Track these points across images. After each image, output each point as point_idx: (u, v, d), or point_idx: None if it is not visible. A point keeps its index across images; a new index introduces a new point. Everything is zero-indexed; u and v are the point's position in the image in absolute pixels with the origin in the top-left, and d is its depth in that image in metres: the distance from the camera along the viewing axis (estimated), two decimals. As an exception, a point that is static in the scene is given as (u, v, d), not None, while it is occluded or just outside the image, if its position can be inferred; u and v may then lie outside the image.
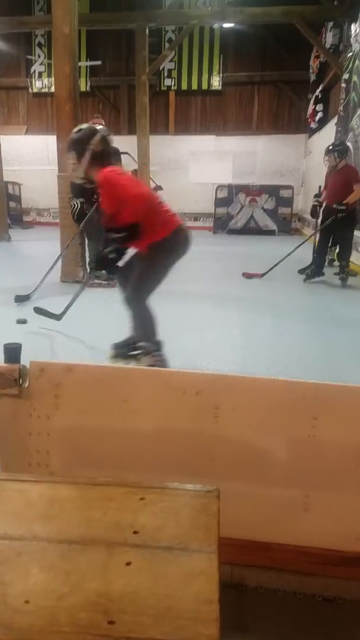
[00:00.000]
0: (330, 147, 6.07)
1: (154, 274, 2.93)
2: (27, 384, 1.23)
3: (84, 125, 3.06)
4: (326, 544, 1.31)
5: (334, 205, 5.82)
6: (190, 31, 11.17)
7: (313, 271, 6.23)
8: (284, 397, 1.27)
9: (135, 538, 0.72)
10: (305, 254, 6.88)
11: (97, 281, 5.93)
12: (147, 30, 9.88)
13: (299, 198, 13.64)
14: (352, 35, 8.76)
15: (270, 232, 13.15)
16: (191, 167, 14.31)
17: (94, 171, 2.85)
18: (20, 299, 4.87)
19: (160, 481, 0.88)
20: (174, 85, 14.21)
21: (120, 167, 2.94)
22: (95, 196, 5.73)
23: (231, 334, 4.07)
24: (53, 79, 7.03)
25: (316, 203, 6.20)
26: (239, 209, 13.40)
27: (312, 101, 12.72)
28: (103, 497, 0.79)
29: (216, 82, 14.16)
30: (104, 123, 6.01)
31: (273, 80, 14.03)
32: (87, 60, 13.88)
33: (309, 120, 13.01)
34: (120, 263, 2.97)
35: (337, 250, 6.34)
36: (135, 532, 0.73)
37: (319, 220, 6.38)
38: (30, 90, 14.85)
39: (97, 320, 4.46)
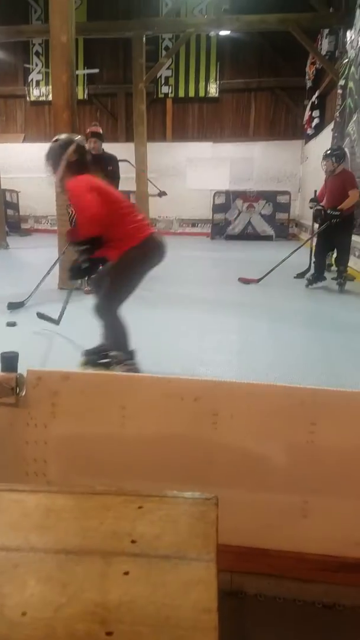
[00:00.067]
0: (328, 152, 6.09)
1: (125, 283, 2.93)
2: (24, 393, 1.22)
3: (62, 136, 3.09)
4: (325, 550, 1.30)
5: (328, 211, 5.84)
6: (187, 39, 11.25)
7: (314, 276, 6.22)
8: (282, 403, 1.27)
9: (133, 547, 0.72)
10: (302, 259, 6.91)
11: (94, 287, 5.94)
12: (144, 39, 9.94)
13: (296, 204, 13.70)
14: (348, 42, 8.82)
15: (267, 238, 13.19)
16: (189, 173, 14.37)
17: (69, 180, 2.87)
18: (14, 306, 4.88)
19: (158, 488, 0.87)
20: (171, 92, 14.30)
21: (94, 176, 2.94)
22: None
23: (229, 339, 4.07)
24: (50, 87, 7.06)
25: (319, 207, 6.20)
26: (236, 214, 13.45)
27: (308, 107, 12.80)
28: (100, 506, 0.78)
29: (213, 89, 14.25)
30: (101, 131, 6.04)
31: (269, 86, 14.13)
32: (84, 69, 13.97)
33: (306, 126, 13.08)
34: (95, 272, 3.02)
35: (335, 255, 6.35)
36: (133, 541, 0.73)
37: (315, 225, 6.41)
38: (27, 98, 14.94)
39: (92, 326, 4.45)
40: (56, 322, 4.11)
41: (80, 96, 13.62)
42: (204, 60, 14.00)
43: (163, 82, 14.18)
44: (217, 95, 14.31)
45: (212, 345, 3.89)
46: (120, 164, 6.29)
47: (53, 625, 0.60)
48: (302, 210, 12.72)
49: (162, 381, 1.28)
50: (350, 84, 8.49)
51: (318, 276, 6.20)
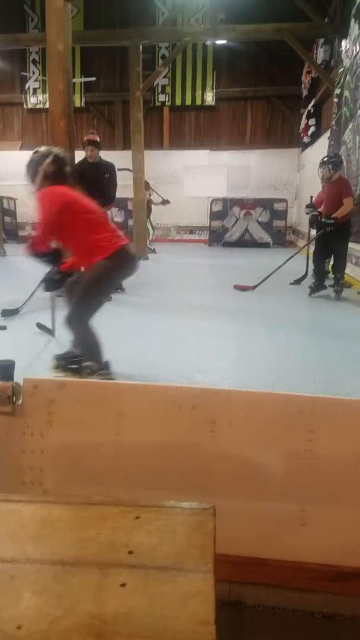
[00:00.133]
0: (325, 159, 6.12)
1: (95, 295, 2.96)
2: (20, 401, 1.22)
3: (42, 148, 3.15)
4: (324, 559, 1.29)
5: (323, 219, 5.86)
6: (183, 48, 11.32)
7: (316, 285, 6.17)
8: (281, 411, 1.26)
9: (130, 558, 0.71)
10: (298, 266, 6.93)
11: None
12: (140, 47, 9.99)
13: (293, 211, 13.76)
14: (343, 51, 8.90)
15: (265, 245, 13.23)
16: (186, 181, 14.42)
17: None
18: (8, 313, 4.86)
19: (156, 497, 0.87)
20: (168, 100, 14.38)
21: (72, 187, 3.01)
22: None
23: (226, 345, 4.07)
24: (47, 95, 7.09)
25: (316, 213, 6.22)
26: (233, 222, 13.50)
27: (304, 116, 12.89)
28: (97, 516, 0.78)
29: (209, 98, 14.34)
30: (98, 139, 6.06)
31: (266, 95, 14.23)
32: (81, 77, 14.05)
33: (302, 134, 13.17)
34: (68, 283, 3.05)
35: (332, 262, 6.36)
36: (130, 552, 0.72)
37: (312, 232, 6.43)
38: (25, 106, 15.00)
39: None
40: (51, 332, 4.14)
41: (77, 104, 13.68)
42: (200, 68, 14.09)
43: (160, 90, 14.26)
44: (213, 103, 14.40)
45: (210, 352, 3.88)
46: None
47: (48, 638, 0.59)
48: (299, 218, 12.77)
49: (160, 389, 1.28)
50: (346, 93, 8.55)
51: (319, 284, 6.16)
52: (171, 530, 0.76)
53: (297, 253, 7.06)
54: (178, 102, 14.36)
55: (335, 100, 9.20)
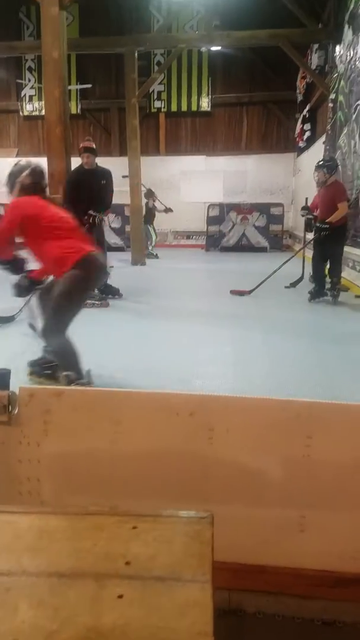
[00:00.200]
0: (320, 163, 6.14)
1: (67, 305, 3.02)
2: (16, 411, 1.21)
3: (22, 161, 3.29)
4: (323, 565, 1.29)
5: (318, 224, 5.87)
6: (178, 54, 11.38)
7: (316, 290, 6.13)
8: (278, 416, 1.26)
9: (127, 569, 0.70)
10: (295, 270, 6.95)
11: (89, 301, 5.94)
12: (136, 54, 10.03)
13: (290, 215, 13.81)
14: (337, 57, 8.96)
15: (262, 249, 13.26)
16: (182, 186, 14.47)
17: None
18: (4, 320, 4.85)
19: (154, 506, 0.86)
20: (164, 107, 14.44)
21: (46, 199, 3.14)
22: (86, 217, 5.80)
23: (224, 350, 4.07)
24: (43, 102, 7.11)
25: (311, 217, 6.23)
26: (230, 226, 13.53)
27: (299, 120, 12.95)
28: (94, 527, 0.77)
29: (205, 104, 14.40)
30: (94, 146, 6.08)
31: (261, 100, 14.30)
32: (77, 84, 14.10)
33: (297, 139, 13.23)
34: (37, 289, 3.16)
35: (328, 267, 6.37)
36: (127, 563, 0.71)
37: (308, 236, 6.44)
38: (21, 113, 15.04)
39: (83, 339, 4.44)
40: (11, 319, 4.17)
41: (73, 111, 13.72)
42: (195, 75, 14.16)
43: (156, 96, 14.33)
44: (209, 109, 14.47)
45: (207, 358, 3.88)
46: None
47: (45, 652, 0.59)
48: (296, 222, 12.81)
49: (157, 396, 1.27)
50: (340, 98, 8.60)
51: (319, 290, 6.11)
52: (168, 539, 0.75)
53: (292, 257, 7.07)
54: (174, 108, 14.42)
55: (330, 105, 9.25)
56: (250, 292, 6.45)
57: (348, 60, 8.10)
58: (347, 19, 8.18)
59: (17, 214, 2.96)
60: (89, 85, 14.34)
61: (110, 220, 13.21)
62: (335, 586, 1.28)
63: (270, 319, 5.26)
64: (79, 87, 14.21)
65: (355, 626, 1.31)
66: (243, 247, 13.36)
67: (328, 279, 6.37)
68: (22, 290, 3.16)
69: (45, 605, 0.64)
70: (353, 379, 3.39)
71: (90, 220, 5.75)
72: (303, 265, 7.03)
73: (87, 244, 3.04)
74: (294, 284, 6.93)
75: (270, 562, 1.29)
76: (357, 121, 7.37)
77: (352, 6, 7.90)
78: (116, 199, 6.53)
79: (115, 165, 7.37)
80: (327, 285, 6.26)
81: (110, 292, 6.31)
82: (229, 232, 13.54)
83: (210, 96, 14.32)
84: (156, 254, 11.72)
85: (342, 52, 8.63)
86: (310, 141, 12.01)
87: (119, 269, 8.61)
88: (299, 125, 13.03)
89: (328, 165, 6.04)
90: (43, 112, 7.64)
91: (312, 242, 6.09)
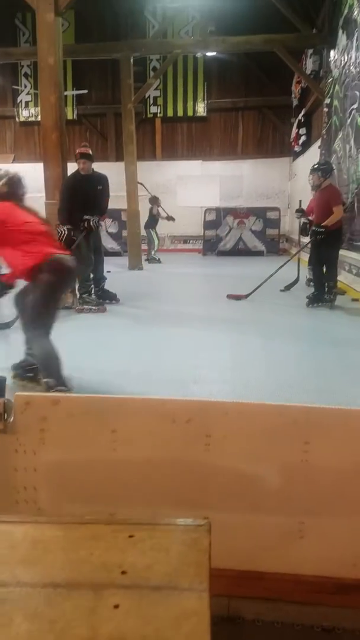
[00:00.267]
0: (315, 166, 6.15)
1: (42, 311, 3.09)
2: (12, 418, 1.20)
3: (1, 171, 3.37)
4: (323, 572, 1.28)
5: (313, 228, 5.88)
6: (174, 60, 11.41)
7: (315, 295, 6.08)
8: (276, 422, 1.25)
9: (124, 578, 0.70)
10: (291, 273, 6.96)
11: (86, 307, 5.94)
12: (131, 60, 10.07)
13: (286, 219, 13.84)
14: (332, 62, 9.00)
15: (259, 253, 13.29)
16: (179, 191, 14.49)
17: None
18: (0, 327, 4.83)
19: (151, 513, 0.85)
20: (160, 112, 14.49)
21: (14, 204, 3.19)
22: (82, 223, 5.80)
23: (221, 355, 4.06)
24: (39, 108, 7.12)
25: (306, 221, 6.24)
26: (227, 231, 13.56)
27: (295, 125, 13.00)
28: (90, 536, 0.76)
29: (201, 109, 14.45)
30: (90, 152, 6.08)
31: (256, 105, 14.36)
32: (73, 89, 14.13)
33: (293, 143, 13.27)
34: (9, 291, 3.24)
35: (324, 270, 6.37)
36: (123, 572, 0.70)
37: (304, 239, 6.45)
38: (17, 119, 15.06)
39: (80, 345, 4.43)
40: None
41: (69, 116, 13.75)
42: (191, 80, 14.22)
43: (152, 102, 14.37)
44: (205, 114, 14.51)
45: (205, 362, 3.87)
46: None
47: (40, 665, 0.58)
48: (292, 226, 12.83)
49: (153, 403, 1.27)
50: (335, 102, 8.64)
51: (319, 295, 6.05)
52: (165, 548, 0.75)
53: (288, 261, 7.08)
54: (170, 113, 14.46)
55: (326, 109, 9.29)
56: (246, 296, 6.45)
57: (342, 65, 8.14)
58: (341, 24, 8.22)
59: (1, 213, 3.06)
60: (85, 91, 14.37)
61: (107, 225, 13.23)
62: (335, 592, 1.27)
63: (267, 323, 5.26)
64: (75, 92, 14.24)
65: (355, 633, 1.30)
66: (240, 251, 13.38)
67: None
68: None
69: (40, 617, 0.63)
70: (351, 383, 3.38)
71: (86, 225, 5.75)
72: (298, 268, 7.05)
73: (52, 248, 3.12)
74: (288, 287, 6.95)
75: (269, 568, 1.28)
76: (352, 125, 7.40)
77: (346, 11, 7.95)
78: (113, 204, 6.54)
79: (111, 171, 7.37)
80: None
81: (108, 297, 6.31)
82: (226, 236, 13.57)
83: (205, 101, 14.37)
84: (158, 259, 11.79)
85: (336, 57, 8.67)
86: (306, 146, 12.05)
87: (116, 274, 8.61)
88: (294, 130, 13.07)
89: (323, 169, 6.05)
90: (39, 118, 7.65)
91: (308, 245, 6.08)
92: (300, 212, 6.53)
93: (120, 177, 10.07)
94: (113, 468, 1.23)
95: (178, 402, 1.29)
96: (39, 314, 3.07)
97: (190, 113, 14.45)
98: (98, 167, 6.27)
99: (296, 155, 13.13)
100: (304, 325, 5.35)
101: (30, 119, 14.81)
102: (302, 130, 12.32)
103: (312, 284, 6.44)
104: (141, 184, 11.44)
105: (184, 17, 12.50)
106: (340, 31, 8.28)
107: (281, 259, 8.88)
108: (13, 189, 3.24)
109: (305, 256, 7.70)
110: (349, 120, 7.61)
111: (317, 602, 1.29)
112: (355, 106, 7.26)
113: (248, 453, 1.24)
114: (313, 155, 10.06)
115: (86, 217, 5.73)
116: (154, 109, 14.47)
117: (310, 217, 6.18)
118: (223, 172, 14.54)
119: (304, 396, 3.11)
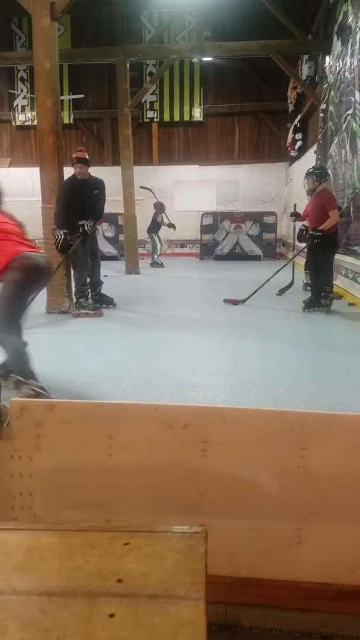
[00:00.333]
0: (310, 170, 6.17)
1: (10, 308, 3.11)
2: (7, 424, 1.19)
3: None
4: (321, 578, 1.27)
5: (310, 232, 5.88)
6: (170, 65, 11.46)
7: (312, 300, 6.05)
8: (272, 428, 1.25)
9: (119, 587, 0.69)
10: (287, 277, 6.98)
11: (83, 311, 5.92)
12: (128, 65, 10.10)
13: (283, 224, 13.88)
14: (327, 67, 9.05)
15: (256, 257, 13.31)
16: (176, 195, 14.52)
17: None
18: None
19: (148, 519, 0.84)
20: (157, 117, 14.53)
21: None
22: (78, 228, 5.79)
23: (218, 360, 4.05)
24: (36, 112, 7.13)
25: (302, 227, 6.25)
26: (224, 235, 13.58)
27: (291, 130, 13.05)
28: (85, 543, 0.75)
29: (197, 114, 14.50)
30: (87, 156, 6.08)
31: (253, 111, 14.42)
32: (69, 94, 14.16)
33: (289, 148, 13.33)
34: None
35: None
36: (119, 581, 0.70)
37: (300, 244, 6.46)
38: (13, 123, 15.08)
39: (78, 349, 4.42)
40: None
41: (66, 120, 13.78)
42: (187, 85, 14.27)
43: (148, 106, 14.41)
44: (201, 119, 14.57)
45: (202, 367, 3.86)
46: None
47: None
48: (289, 230, 12.84)
49: (150, 408, 1.26)
50: (331, 108, 8.68)
51: (316, 300, 6.02)
52: (161, 556, 0.74)
53: (285, 266, 7.09)
54: (166, 118, 14.51)
55: (321, 115, 9.33)
56: (243, 301, 6.45)
57: (337, 71, 8.19)
58: (336, 31, 8.27)
59: None
60: (82, 96, 14.40)
61: (104, 230, 13.23)
62: (335, 599, 1.26)
63: (264, 328, 5.26)
64: (72, 97, 14.27)
65: (354, 639, 1.29)
66: (237, 255, 13.40)
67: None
68: None
69: (35, 626, 0.63)
70: (348, 389, 3.38)
71: (82, 230, 5.74)
72: (293, 272, 7.06)
73: (22, 246, 3.14)
74: (282, 291, 6.96)
75: (267, 575, 1.27)
76: (347, 131, 7.44)
77: (340, 18, 8.00)
78: (110, 208, 6.54)
79: (108, 175, 7.38)
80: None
81: (105, 302, 6.30)
82: (223, 240, 13.59)
83: (202, 106, 14.43)
84: (161, 263, 11.79)
85: (331, 63, 8.72)
86: (302, 150, 12.09)
87: (113, 278, 8.60)
88: (290, 135, 13.13)
89: (317, 173, 6.07)
90: (35, 122, 7.66)
91: (304, 250, 6.09)
92: (295, 215, 6.55)
93: (116, 181, 10.08)
94: (109, 474, 1.22)
95: (175, 407, 1.28)
96: (7, 311, 3.10)
97: (186, 118, 14.50)
98: (94, 171, 6.27)
99: (292, 160, 13.18)
100: (300, 329, 5.35)
101: (26, 123, 14.83)
102: (298, 135, 12.37)
103: (309, 288, 6.45)
104: (149, 189, 11.47)
105: (180, 22, 12.57)
106: (335, 37, 8.33)
107: (278, 263, 8.90)
108: None
109: (300, 260, 7.72)
110: (344, 126, 7.65)
111: (315, 608, 1.28)
112: (350, 112, 7.30)
113: (245, 459, 1.24)
114: (309, 160, 10.09)
115: (81, 222, 5.72)
116: (150, 114, 14.52)
117: (305, 223, 6.20)
118: (220, 177, 14.58)
119: (301, 401, 3.10)
